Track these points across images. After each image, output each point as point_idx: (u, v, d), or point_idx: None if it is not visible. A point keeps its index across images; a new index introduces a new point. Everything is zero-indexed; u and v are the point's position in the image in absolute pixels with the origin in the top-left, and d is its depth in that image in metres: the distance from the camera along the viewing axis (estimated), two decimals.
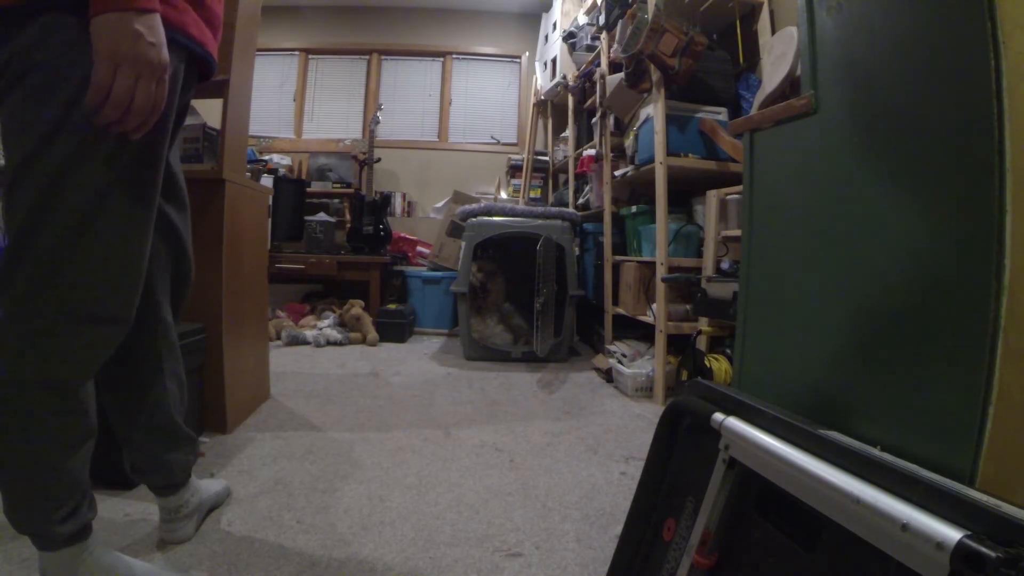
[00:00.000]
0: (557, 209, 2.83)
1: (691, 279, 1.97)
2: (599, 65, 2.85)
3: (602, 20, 2.80)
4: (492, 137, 4.56)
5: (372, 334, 3.04)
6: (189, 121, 1.67)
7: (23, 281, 0.69)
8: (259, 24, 1.74)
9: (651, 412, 1.91)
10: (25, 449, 0.73)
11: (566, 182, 3.67)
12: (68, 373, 0.74)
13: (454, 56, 4.56)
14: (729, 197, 1.89)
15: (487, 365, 2.58)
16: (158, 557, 0.95)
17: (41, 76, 0.66)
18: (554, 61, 3.63)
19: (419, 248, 3.90)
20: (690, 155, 2.06)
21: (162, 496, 0.99)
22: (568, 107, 3.54)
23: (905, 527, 0.42)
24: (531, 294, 2.57)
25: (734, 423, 0.64)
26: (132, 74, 0.64)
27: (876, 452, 0.52)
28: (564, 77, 3.47)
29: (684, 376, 1.87)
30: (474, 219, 2.73)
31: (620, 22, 2.45)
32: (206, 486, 1.11)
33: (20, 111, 0.67)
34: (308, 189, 3.90)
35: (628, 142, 2.42)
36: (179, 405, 0.99)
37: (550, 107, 4.10)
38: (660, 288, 2.03)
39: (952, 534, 0.39)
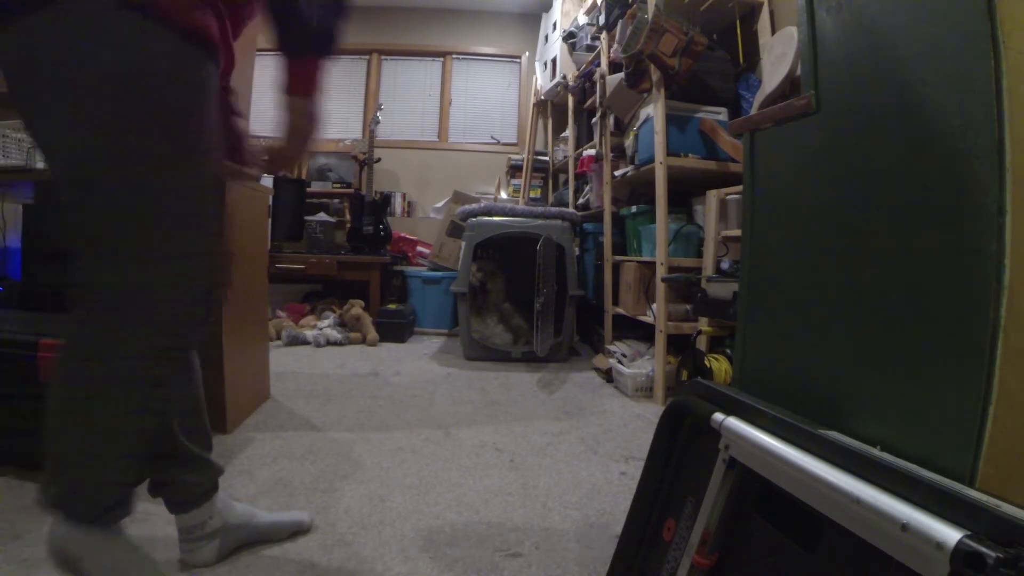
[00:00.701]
0: (557, 209, 2.82)
1: (691, 279, 1.97)
2: (599, 65, 2.85)
3: (602, 20, 2.80)
4: (492, 137, 4.56)
5: (372, 334, 3.04)
6: None
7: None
8: (259, 24, 1.74)
9: (651, 412, 1.91)
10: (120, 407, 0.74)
11: (566, 182, 3.66)
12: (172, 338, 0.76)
13: (454, 56, 4.56)
14: (729, 197, 1.89)
15: (487, 365, 2.58)
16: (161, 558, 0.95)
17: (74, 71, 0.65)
18: (554, 61, 3.63)
19: (419, 248, 3.90)
20: (690, 155, 2.06)
21: (173, 513, 0.93)
22: (568, 107, 3.54)
23: (905, 527, 0.42)
24: (531, 294, 2.57)
25: (734, 423, 0.64)
26: (303, 146, 0.82)
27: (876, 452, 0.52)
28: (564, 77, 3.47)
29: (684, 376, 1.87)
30: (474, 219, 2.73)
31: (620, 22, 2.45)
32: (250, 514, 1.01)
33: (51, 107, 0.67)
34: (308, 189, 3.90)
35: (628, 142, 2.42)
36: (183, 424, 0.91)
37: (550, 107, 4.10)
38: (660, 288, 2.03)
39: (952, 534, 0.39)
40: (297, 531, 1.05)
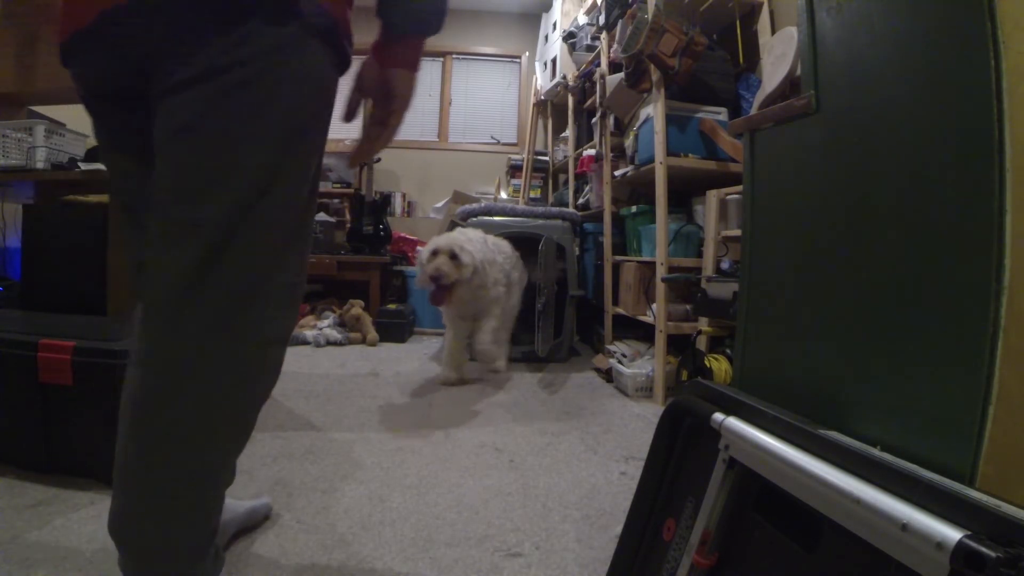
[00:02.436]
0: (557, 209, 2.82)
1: (691, 279, 1.97)
2: (599, 65, 2.85)
3: (602, 20, 2.80)
4: (492, 137, 4.56)
5: (372, 334, 3.04)
6: None
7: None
8: None
9: (651, 412, 1.91)
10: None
11: (566, 182, 3.66)
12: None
13: (454, 56, 4.56)
14: (729, 197, 1.89)
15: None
16: None
17: (250, 90, 0.63)
18: (554, 61, 3.63)
19: (419, 248, 3.90)
20: (690, 155, 2.06)
21: None
22: (568, 107, 3.54)
23: (905, 527, 0.42)
24: (532, 293, 2.56)
25: (734, 423, 0.64)
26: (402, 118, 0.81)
27: (876, 452, 0.52)
28: (564, 77, 3.47)
29: (684, 376, 1.87)
30: (474, 219, 2.73)
31: (620, 22, 2.45)
32: (231, 506, 1.00)
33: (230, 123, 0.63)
34: None
35: (628, 142, 2.42)
36: None
37: (550, 107, 4.10)
38: (660, 288, 2.03)
39: (952, 534, 0.39)
40: (267, 514, 1.10)
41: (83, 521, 1.04)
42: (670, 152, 2.03)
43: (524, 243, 2.66)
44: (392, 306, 3.24)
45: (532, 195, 4.16)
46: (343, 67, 0.77)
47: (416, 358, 2.72)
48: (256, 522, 1.07)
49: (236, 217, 0.64)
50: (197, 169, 0.64)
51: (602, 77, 2.70)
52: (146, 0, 0.61)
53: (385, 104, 0.80)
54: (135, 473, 0.66)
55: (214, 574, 0.74)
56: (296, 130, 0.70)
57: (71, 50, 0.67)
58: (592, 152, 2.95)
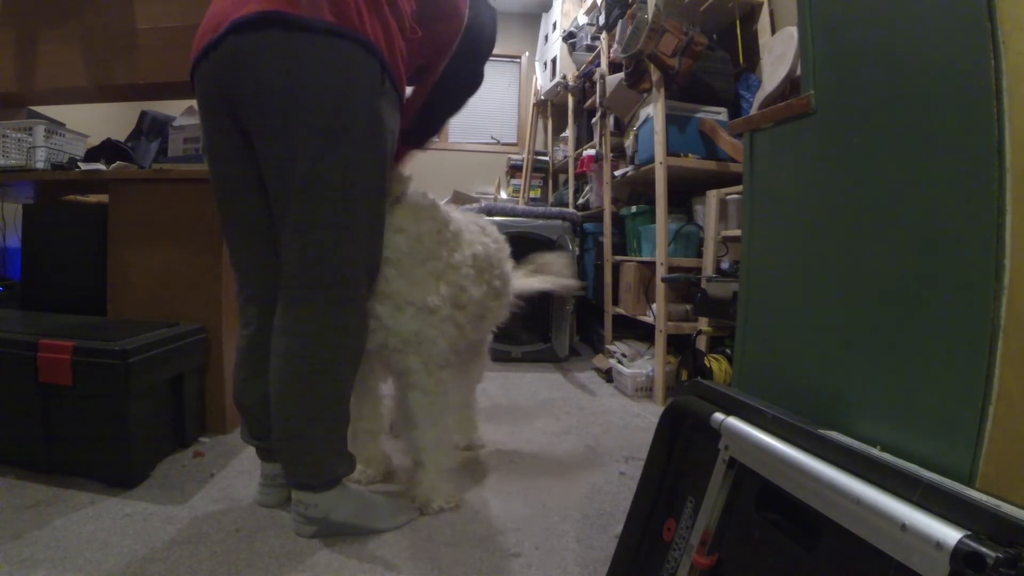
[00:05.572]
0: (557, 209, 2.82)
1: (691, 279, 1.96)
2: (599, 65, 2.85)
3: (602, 20, 2.80)
4: (492, 137, 4.55)
5: None
6: (189, 121, 1.67)
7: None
8: None
9: (651, 412, 1.91)
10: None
11: (566, 182, 3.66)
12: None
13: None
14: (729, 197, 1.89)
15: (487, 365, 2.58)
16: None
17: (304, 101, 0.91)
18: (554, 61, 3.63)
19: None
20: (690, 155, 2.06)
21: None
22: (568, 107, 3.54)
23: (905, 527, 0.42)
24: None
25: (734, 423, 0.64)
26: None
27: (876, 452, 0.52)
28: (564, 77, 3.47)
29: (684, 376, 1.87)
30: None
31: (620, 22, 2.45)
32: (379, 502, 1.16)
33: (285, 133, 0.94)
34: None
35: (628, 142, 2.42)
36: None
37: (550, 107, 4.10)
38: (660, 288, 2.03)
39: (952, 534, 0.39)
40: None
41: (83, 521, 1.04)
42: (670, 152, 2.03)
43: (523, 243, 2.67)
44: None
45: (532, 195, 4.16)
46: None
47: None
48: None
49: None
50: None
51: (602, 77, 2.70)
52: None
53: None
54: (288, 402, 1.00)
55: (347, 469, 1.06)
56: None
57: None
58: (592, 152, 2.95)
